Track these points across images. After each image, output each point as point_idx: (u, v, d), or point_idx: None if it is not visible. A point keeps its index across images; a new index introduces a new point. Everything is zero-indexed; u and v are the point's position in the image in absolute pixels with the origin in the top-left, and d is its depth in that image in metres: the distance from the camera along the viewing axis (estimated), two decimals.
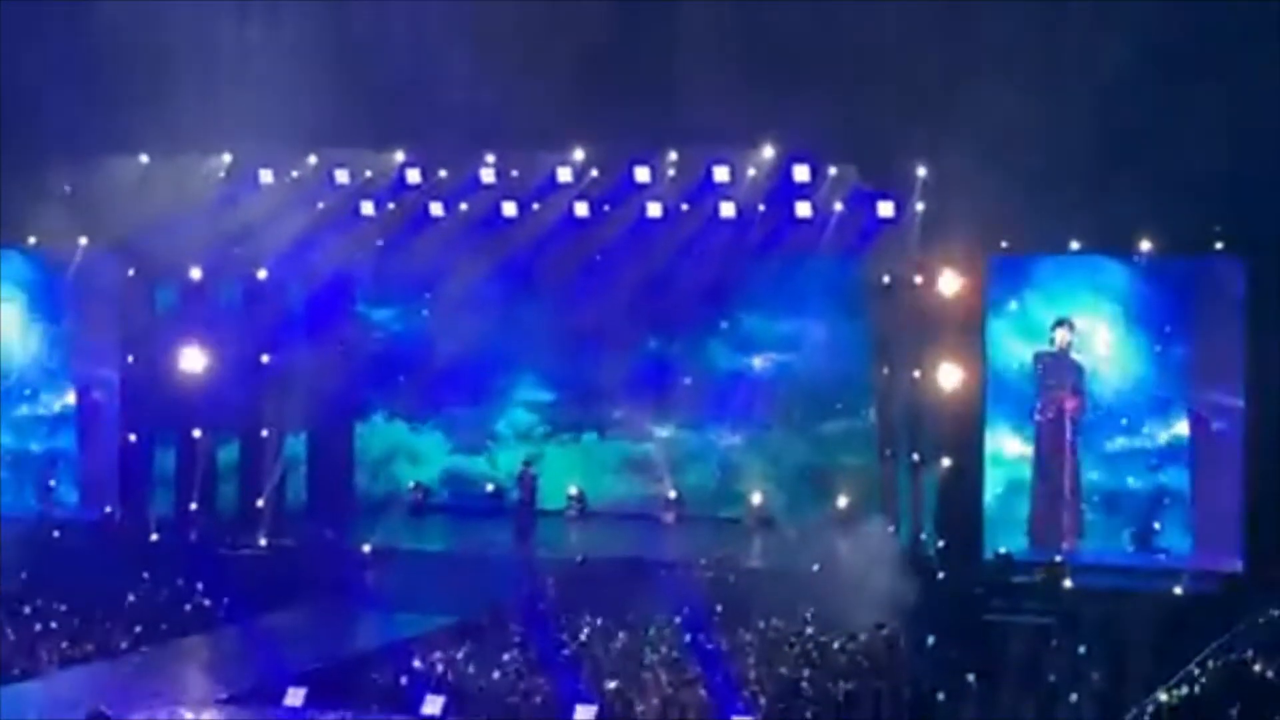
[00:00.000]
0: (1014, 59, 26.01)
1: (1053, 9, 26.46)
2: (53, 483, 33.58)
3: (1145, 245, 28.14)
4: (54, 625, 25.94)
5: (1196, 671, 22.37)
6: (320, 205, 32.13)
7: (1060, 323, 29.27)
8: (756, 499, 33.02)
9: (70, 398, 33.60)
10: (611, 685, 22.83)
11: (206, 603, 27.81)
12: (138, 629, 26.36)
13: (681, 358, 34.06)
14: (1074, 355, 29.19)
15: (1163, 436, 29.16)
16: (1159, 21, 25.65)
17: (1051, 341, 29.29)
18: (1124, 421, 29.32)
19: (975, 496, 29.02)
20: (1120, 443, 29.38)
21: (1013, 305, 29.37)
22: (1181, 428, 29.05)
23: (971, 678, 22.63)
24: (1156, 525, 28.99)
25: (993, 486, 29.30)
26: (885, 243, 29.88)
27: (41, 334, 33.81)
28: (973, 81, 25.75)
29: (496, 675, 23.53)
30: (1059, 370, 29.28)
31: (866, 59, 27.14)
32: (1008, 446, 29.60)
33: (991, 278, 29.07)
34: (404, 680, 23.24)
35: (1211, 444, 28.69)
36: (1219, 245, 27.76)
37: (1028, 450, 29.46)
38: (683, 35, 28.25)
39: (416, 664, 23.84)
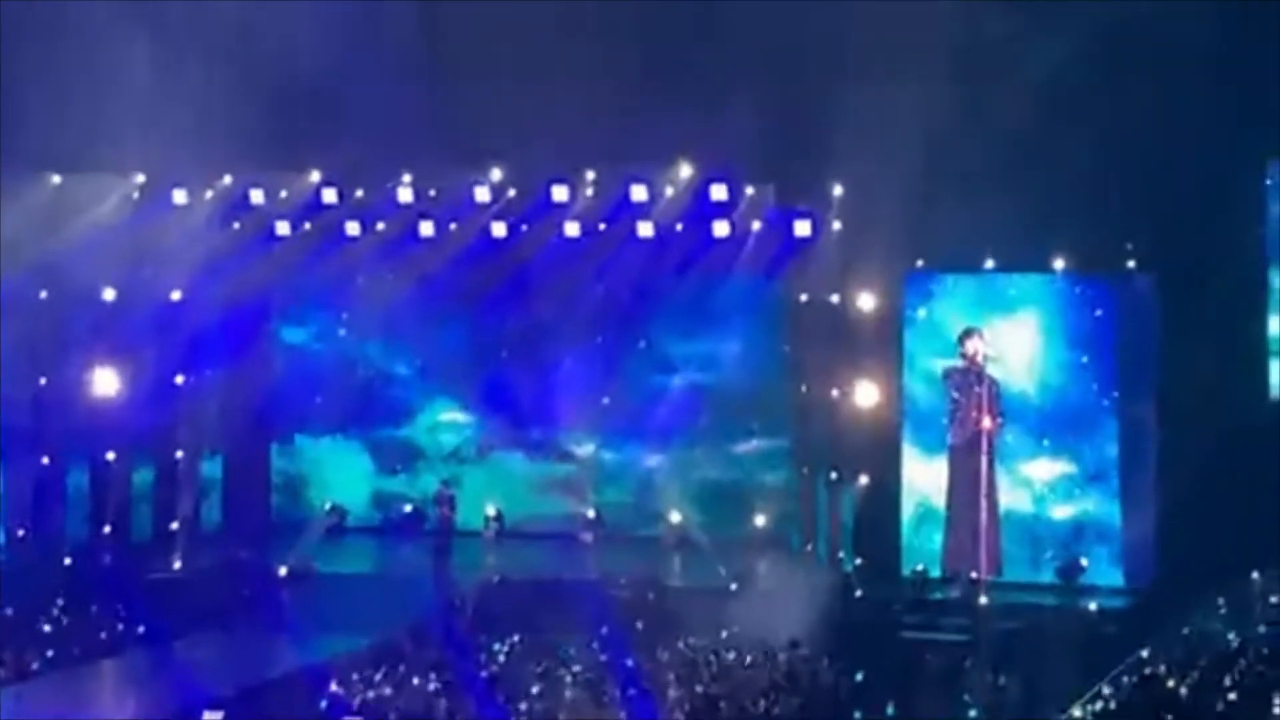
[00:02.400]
0: (930, 78, 26.19)
1: (969, 28, 26.64)
2: None
3: (1059, 263, 28.33)
4: None
5: (1110, 687, 22.52)
6: (235, 225, 31.91)
7: (968, 333, 28.52)
8: (675, 518, 33.00)
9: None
10: (531, 706, 22.76)
11: (120, 626, 27.48)
12: (50, 653, 26.04)
13: (600, 377, 33.97)
14: (989, 370, 28.41)
15: (1089, 459, 28.10)
16: (1071, 42, 25.91)
17: (961, 355, 28.60)
18: (1045, 442, 28.36)
19: (893, 514, 29.09)
20: (1042, 466, 28.40)
21: (928, 321, 29.10)
22: (1110, 448, 28.01)
23: (889, 695, 22.70)
24: (1083, 561, 27.96)
25: (905, 514, 28.93)
26: (803, 261, 30.03)
27: None
28: (889, 101, 25.94)
29: (415, 697, 23.39)
30: (971, 386, 28.43)
31: (782, 78, 27.28)
32: (918, 474, 28.82)
33: (907, 295, 29.17)
34: (321, 703, 23.06)
35: (1142, 466, 27.79)
36: (1131, 264, 28.03)
37: (941, 476, 28.67)
38: (599, 54, 28.25)
39: (334, 687, 23.65)
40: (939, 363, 28.98)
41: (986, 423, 28.38)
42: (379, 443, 35.24)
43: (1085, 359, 28.34)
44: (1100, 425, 28.24)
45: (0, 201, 30.64)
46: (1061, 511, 28.37)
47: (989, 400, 28.43)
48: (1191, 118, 26.05)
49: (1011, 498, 28.53)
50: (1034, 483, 28.51)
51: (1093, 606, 26.71)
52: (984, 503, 28.30)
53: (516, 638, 26.03)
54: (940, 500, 28.84)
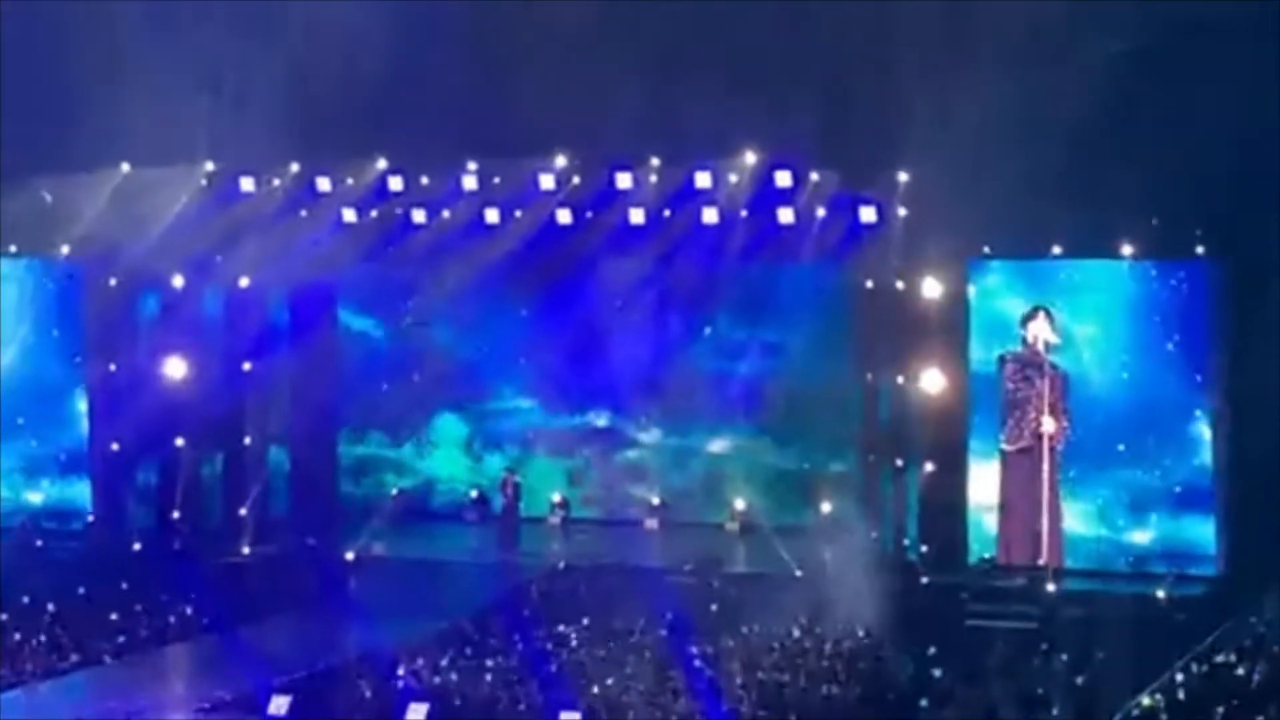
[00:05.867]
0: (994, 64, 26.05)
1: (1033, 13, 26.48)
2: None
3: (1127, 249, 28.03)
4: (36, 635, 25.84)
5: (1179, 674, 22.38)
6: (302, 213, 32.08)
7: (1033, 313, 26.82)
8: (740, 504, 32.99)
9: (78, 429, 32.21)
10: (596, 691, 22.81)
11: (189, 611, 27.70)
12: (121, 638, 26.29)
13: (665, 364, 33.96)
14: (1054, 359, 27.28)
15: (1175, 469, 25.01)
16: (1138, 26, 25.74)
17: (1024, 341, 27.26)
18: (1121, 448, 25.82)
19: (959, 501, 28.92)
20: (1119, 479, 25.80)
21: (991, 308, 28.63)
22: (1201, 455, 24.67)
23: (955, 682, 22.63)
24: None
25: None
26: (867, 248, 29.90)
27: (32, 347, 32.51)
28: (954, 87, 25.80)
29: (480, 682, 23.50)
30: (1031, 379, 26.80)
31: (847, 65, 27.20)
32: (973, 481, 26.91)
33: (973, 281, 28.96)
34: (388, 688, 23.19)
35: (1217, 462, 25.29)
36: (1200, 249, 27.73)
37: (992, 488, 27.05)
38: (664, 41, 28.27)
39: (400, 671, 23.80)
40: (999, 351, 28.32)
41: (1048, 425, 26.95)
42: (445, 429, 35.36)
43: (1171, 344, 25.78)
44: (1187, 426, 25.61)
45: (72, 191, 31.00)
46: (1144, 536, 26.23)
47: (1052, 397, 27.10)
48: (1259, 104, 25.80)
49: (1078, 517, 26.56)
50: (1109, 501, 26.36)
51: (1160, 594, 26.50)
52: (1046, 526, 26.55)
53: (582, 624, 26.12)
54: (991, 518, 27.77)
